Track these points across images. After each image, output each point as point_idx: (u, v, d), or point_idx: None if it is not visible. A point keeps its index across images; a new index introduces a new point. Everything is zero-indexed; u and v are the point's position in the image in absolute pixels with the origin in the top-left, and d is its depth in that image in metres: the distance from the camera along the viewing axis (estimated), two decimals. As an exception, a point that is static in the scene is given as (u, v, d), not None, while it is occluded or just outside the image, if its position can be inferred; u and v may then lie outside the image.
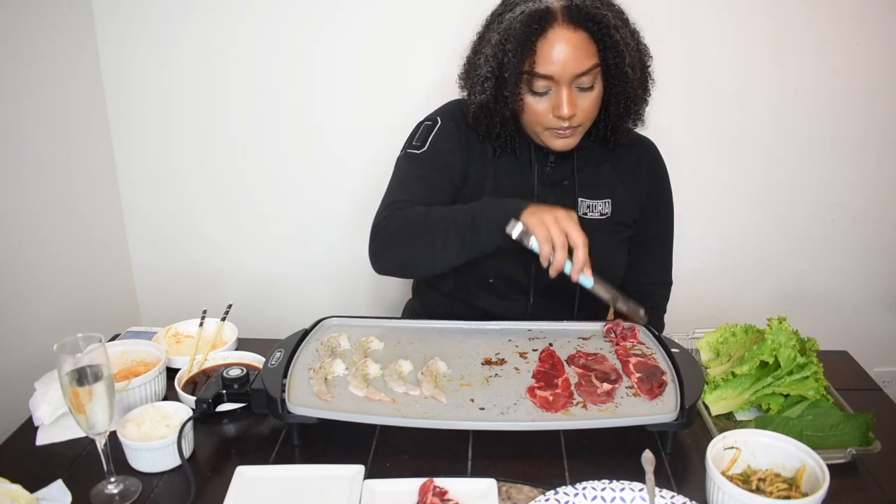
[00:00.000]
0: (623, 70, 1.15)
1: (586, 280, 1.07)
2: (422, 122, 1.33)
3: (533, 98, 1.17)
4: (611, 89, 1.19)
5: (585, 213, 1.31)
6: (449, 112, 1.33)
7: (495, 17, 1.21)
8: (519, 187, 1.30)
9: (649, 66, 1.23)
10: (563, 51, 1.11)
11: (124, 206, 1.97)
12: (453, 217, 1.10)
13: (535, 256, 1.09)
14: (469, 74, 1.25)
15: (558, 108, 1.16)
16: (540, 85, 1.15)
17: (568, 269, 1.05)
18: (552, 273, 1.05)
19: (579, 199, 1.30)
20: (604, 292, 1.10)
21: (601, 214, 1.32)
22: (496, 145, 1.27)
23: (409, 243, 1.14)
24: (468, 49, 1.28)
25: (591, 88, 1.17)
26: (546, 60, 1.12)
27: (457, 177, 1.28)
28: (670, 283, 1.48)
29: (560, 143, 1.22)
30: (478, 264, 1.22)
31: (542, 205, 1.07)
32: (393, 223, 1.16)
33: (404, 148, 1.31)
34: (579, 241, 1.03)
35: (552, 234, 1.03)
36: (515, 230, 1.04)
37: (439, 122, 1.30)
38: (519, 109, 1.19)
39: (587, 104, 1.18)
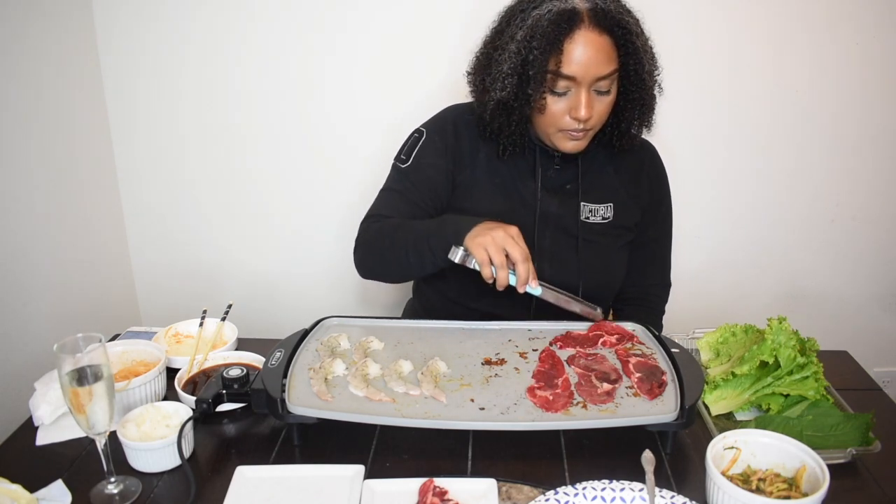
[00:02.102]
0: (641, 77, 1.17)
1: (533, 290, 1.12)
2: (412, 133, 1.34)
3: (552, 98, 1.17)
4: (627, 95, 1.20)
5: (587, 217, 1.31)
6: (437, 123, 1.34)
7: (516, 13, 1.19)
8: (520, 192, 1.30)
9: (657, 74, 1.23)
10: (587, 53, 1.12)
11: (124, 207, 1.97)
12: (415, 235, 1.18)
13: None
14: (486, 70, 1.23)
15: (576, 109, 1.15)
16: (561, 85, 1.15)
17: (514, 282, 1.10)
18: (498, 288, 1.11)
19: (581, 204, 1.31)
20: (554, 298, 1.16)
21: (603, 218, 1.32)
22: (505, 144, 1.26)
23: (380, 259, 1.25)
24: (480, 45, 1.27)
25: (607, 93, 1.17)
26: (571, 61, 1.12)
27: (439, 189, 1.30)
28: (669, 285, 1.48)
29: (571, 146, 1.22)
30: (475, 274, 1.25)
31: (487, 223, 1.11)
32: (367, 237, 1.27)
33: (395, 158, 1.34)
34: (518, 256, 1.08)
35: (491, 255, 1.08)
36: (457, 256, 1.11)
37: (424, 136, 1.32)
38: (539, 108, 1.18)
39: (602, 108, 1.18)
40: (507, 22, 1.21)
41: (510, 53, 1.16)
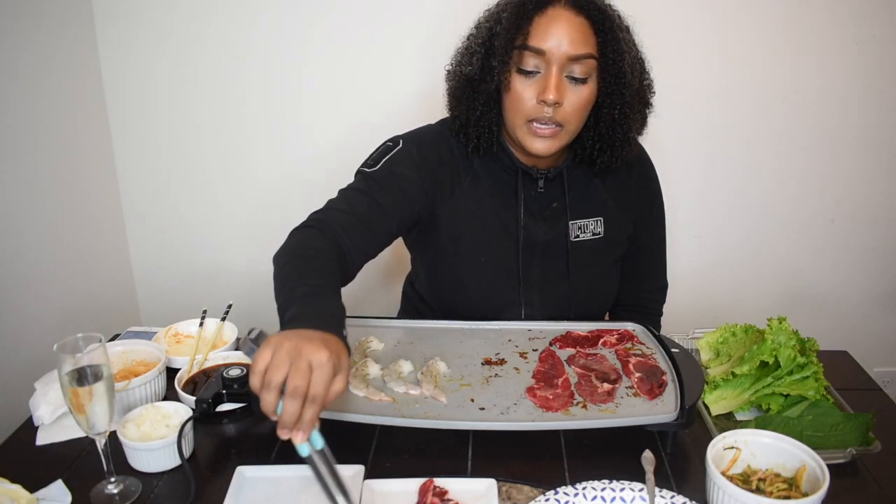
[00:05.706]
0: (621, 68, 1.09)
1: (300, 446, 0.80)
2: (385, 142, 1.24)
3: (519, 78, 1.09)
4: (606, 89, 1.11)
5: (577, 236, 1.25)
6: (419, 138, 1.23)
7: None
8: (503, 221, 1.23)
9: (647, 82, 1.17)
10: (560, 29, 1.06)
11: (124, 207, 1.97)
12: (286, 290, 0.95)
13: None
14: (458, 52, 1.18)
15: (544, 91, 1.07)
16: (530, 62, 1.08)
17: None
18: (263, 411, 0.79)
19: (570, 223, 1.24)
20: (319, 471, 0.81)
21: (594, 234, 1.26)
22: (474, 135, 1.17)
23: (276, 272, 1.01)
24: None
25: (583, 82, 1.09)
26: (540, 35, 1.06)
27: (411, 201, 1.18)
28: (666, 286, 1.45)
29: (539, 144, 1.12)
30: (462, 309, 1.24)
31: (314, 334, 0.81)
32: (291, 243, 1.07)
33: (360, 166, 1.22)
34: (291, 389, 0.77)
35: (271, 366, 0.77)
36: (247, 344, 0.82)
37: (400, 145, 1.21)
38: (504, 87, 1.11)
39: (576, 100, 1.09)
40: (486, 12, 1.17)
41: (479, 27, 1.14)
